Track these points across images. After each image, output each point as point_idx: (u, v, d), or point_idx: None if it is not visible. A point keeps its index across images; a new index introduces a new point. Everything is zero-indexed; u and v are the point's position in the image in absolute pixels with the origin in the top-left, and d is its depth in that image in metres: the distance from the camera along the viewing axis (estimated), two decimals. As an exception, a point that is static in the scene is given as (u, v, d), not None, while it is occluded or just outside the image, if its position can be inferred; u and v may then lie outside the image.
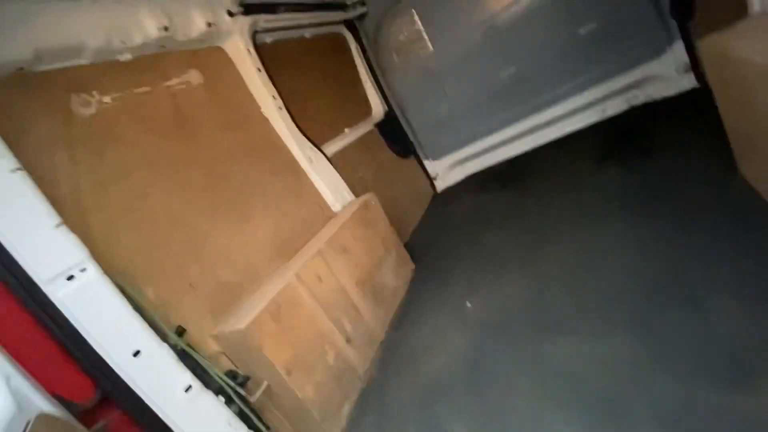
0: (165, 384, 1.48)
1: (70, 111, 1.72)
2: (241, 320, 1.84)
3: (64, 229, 1.38)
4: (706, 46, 1.72)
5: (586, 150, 3.36)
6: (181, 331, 1.72)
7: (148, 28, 1.98)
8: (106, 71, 1.89)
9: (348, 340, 2.23)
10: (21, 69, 1.57)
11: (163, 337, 1.57)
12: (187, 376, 1.56)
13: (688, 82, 3.28)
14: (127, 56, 1.97)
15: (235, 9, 2.49)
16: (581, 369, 1.47)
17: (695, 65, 3.18)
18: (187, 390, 1.52)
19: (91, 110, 1.80)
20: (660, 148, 2.72)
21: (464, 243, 3.00)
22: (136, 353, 1.44)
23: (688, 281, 1.55)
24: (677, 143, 2.66)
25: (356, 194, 3.08)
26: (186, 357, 1.64)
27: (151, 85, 2.08)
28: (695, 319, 1.39)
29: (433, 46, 3.87)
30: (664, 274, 1.66)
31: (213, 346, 1.90)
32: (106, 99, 1.86)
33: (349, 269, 2.44)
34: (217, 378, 1.72)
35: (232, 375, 1.84)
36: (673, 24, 3.13)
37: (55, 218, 1.36)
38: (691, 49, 3.16)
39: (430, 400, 1.76)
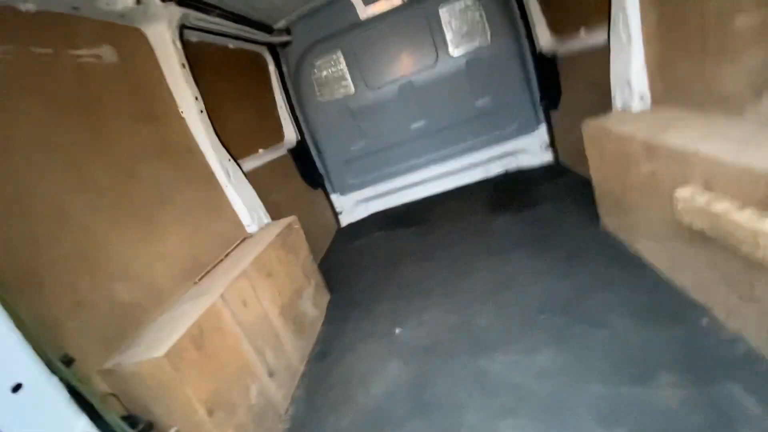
0: (54, 430, 1.06)
1: (-66, 50, 1.24)
2: (153, 347, 1.48)
3: None
4: (589, 126, 2.29)
5: (478, 201, 3.89)
6: (68, 361, 1.28)
7: (66, -19, 1.61)
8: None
9: (271, 374, 1.98)
10: None
11: (52, 369, 1.14)
12: (82, 421, 1.15)
13: (548, 157, 4.22)
14: (29, 6, 1.55)
15: (169, -5, 2.23)
16: (521, 380, 1.63)
17: (553, 144, 4.13)
18: (83, 440, 1.11)
19: (-34, 57, 1.33)
20: (536, 203, 3.36)
21: (381, 276, 3.06)
22: (16, 388, 1.01)
23: (588, 304, 1.91)
24: (547, 200, 3.33)
25: (271, 218, 2.90)
26: (76, 395, 1.21)
27: (54, 48, 1.65)
28: (600, 332, 1.72)
29: (354, 88, 4.09)
30: (567, 299, 2.01)
31: (100, 384, 1.46)
32: (-9, 48, 1.41)
33: (273, 295, 2.22)
34: (115, 425, 1.31)
35: (131, 421, 1.43)
36: (541, 112, 4.04)
37: None
38: (551, 133, 4.10)
39: (376, 429, 1.67)
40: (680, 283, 1.78)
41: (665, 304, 1.72)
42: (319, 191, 4.40)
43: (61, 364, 1.23)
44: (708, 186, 1.39)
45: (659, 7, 1.89)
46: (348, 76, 4.05)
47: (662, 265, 1.91)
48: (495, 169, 4.43)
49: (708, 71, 1.67)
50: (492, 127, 4.19)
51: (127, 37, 2.12)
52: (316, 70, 4.08)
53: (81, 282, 1.52)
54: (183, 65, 2.37)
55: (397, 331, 2.29)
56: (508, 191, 3.90)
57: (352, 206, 4.63)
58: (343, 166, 4.44)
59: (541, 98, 3.97)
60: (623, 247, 2.23)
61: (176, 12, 2.31)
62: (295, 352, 2.27)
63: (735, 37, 1.47)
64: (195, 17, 2.51)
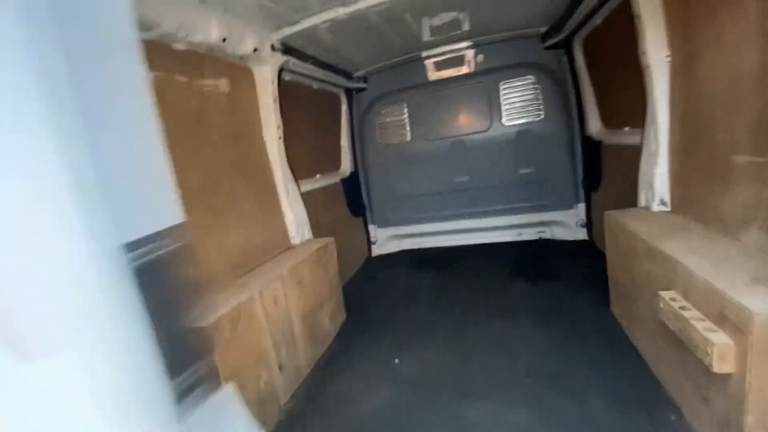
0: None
1: (119, 73, 1.79)
2: (200, 318, 1.86)
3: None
4: (610, 217, 2.49)
5: (502, 262, 4.07)
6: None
7: (212, 33, 2.18)
8: (160, 51, 2.01)
9: (280, 368, 2.29)
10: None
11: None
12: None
13: (582, 234, 4.33)
14: (180, 46, 2.12)
15: (278, 45, 2.81)
16: (491, 430, 1.82)
17: (589, 224, 4.25)
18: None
19: (135, 79, 1.87)
20: (557, 276, 3.49)
21: (395, 310, 3.31)
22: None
23: (572, 379, 2.06)
24: (569, 275, 3.46)
25: (313, 235, 3.30)
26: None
27: (189, 77, 2.21)
28: (576, 407, 1.86)
29: (411, 137, 4.55)
30: (555, 370, 2.16)
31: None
32: (151, 74, 1.95)
33: (299, 301, 2.57)
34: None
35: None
36: (582, 191, 4.22)
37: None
38: (588, 212, 4.24)
39: (356, 438, 1.91)
40: (661, 378, 1.89)
41: (643, 396, 1.85)
42: (359, 220, 4.81)
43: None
44: (686, 293, 1.57)
45: (683, 129, 2.13)
46: (408, 126, 4.53)
47: (650, 359, 2.03)
48: (527, 236, 4.60)
49: (714, 193, 1.87)
50: (531, 196, 4.42)
51: (240, 73, 2.69)
52: (381, 116, 4.61)
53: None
54: (275, 100, 2.92)
55: (396, 361, 2.53)
56: (534, 260, 4.04)
57: (386, 240, 4.98)
58: (386, 202, 4.84)
59: (584, 179, 4.16)
60: (623, 334, 2.35)
61: (280, 58, 2.89)
62: (305, 356, 2.58)
63: (734, 171, 1.68)
64: (293, 63, 3.08)
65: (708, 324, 1.37)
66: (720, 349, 1.27)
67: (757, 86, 1.49)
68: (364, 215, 4.86)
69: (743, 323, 1.21)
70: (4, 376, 0.56)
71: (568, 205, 4.34)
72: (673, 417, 1.71)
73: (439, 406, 2.05)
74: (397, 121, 4.57)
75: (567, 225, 4.41)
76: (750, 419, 1.24)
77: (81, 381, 0.61)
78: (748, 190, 1.61)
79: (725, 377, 1.32)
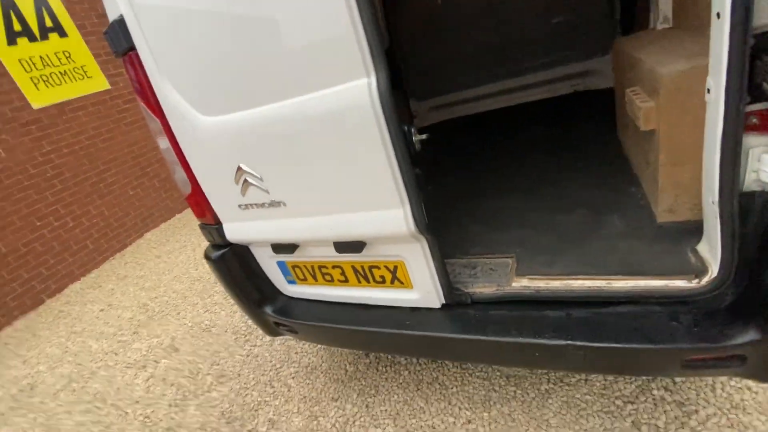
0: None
1: None
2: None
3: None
4: (617, 43, 2.74)
5: (532, 114, 4.43)
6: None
7: None
8: None
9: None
10: None
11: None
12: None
13: (617, 80, 4.42)
14: None
15: None
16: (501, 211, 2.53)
17: (623, 69, 4.31)
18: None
19: None
20: (575, 118, 3.83)
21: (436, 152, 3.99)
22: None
23: (566, 178, 2.65)
24: (588, 117, 3.77)
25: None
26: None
27: None
28: (561, 192, 2.49)
29: (441, 0, 4.63)
30: (555, 173, 2.75)
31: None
32: None
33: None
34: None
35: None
36: (618, 34, 4.19)
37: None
38: (623, 56, 4.26)
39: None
40: (633, 165, 2.41)
41: (617, 180, 2.40)
42: (399, 92, 5.23)
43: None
44: (643, 86, 1.98)
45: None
46: (437, -11, 4.58)
47: (629, 154, 2.52)
48: (563, 90, 4.76)
49: (696, 2, 2.09)
50: (565, 46, 4.46)
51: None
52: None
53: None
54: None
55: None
56: (561, 109, 4.34)
57: (426, 112, 5.41)
58: (423, 71, 5.14)
59: (621, 19, 4.10)
60: (619, 147, 2.81)
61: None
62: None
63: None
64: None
65: (642, 98, 1.83)
66: (645, 111, 1.75)
67: None
68: (402, 88, 5.25)
69: (658, 85, 1.66)
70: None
71: (603, 52, 4.36)
72: (633, 189, 2.27)
73: (462, 200, 2.79)
74: (426, -15, 4.61)
75: (601, 73, 4.48)
76: (662, 157, 1.77)
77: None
78: (713, -14, 1.86)
79: (651, 134, 1.82)
